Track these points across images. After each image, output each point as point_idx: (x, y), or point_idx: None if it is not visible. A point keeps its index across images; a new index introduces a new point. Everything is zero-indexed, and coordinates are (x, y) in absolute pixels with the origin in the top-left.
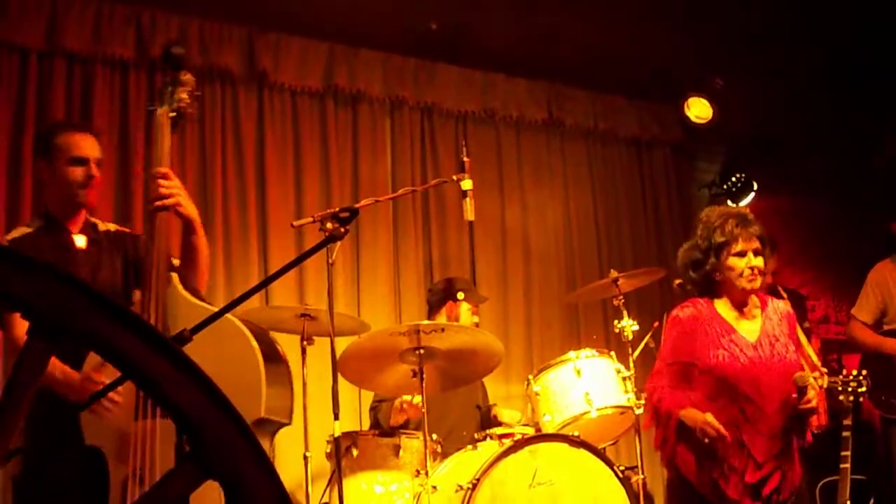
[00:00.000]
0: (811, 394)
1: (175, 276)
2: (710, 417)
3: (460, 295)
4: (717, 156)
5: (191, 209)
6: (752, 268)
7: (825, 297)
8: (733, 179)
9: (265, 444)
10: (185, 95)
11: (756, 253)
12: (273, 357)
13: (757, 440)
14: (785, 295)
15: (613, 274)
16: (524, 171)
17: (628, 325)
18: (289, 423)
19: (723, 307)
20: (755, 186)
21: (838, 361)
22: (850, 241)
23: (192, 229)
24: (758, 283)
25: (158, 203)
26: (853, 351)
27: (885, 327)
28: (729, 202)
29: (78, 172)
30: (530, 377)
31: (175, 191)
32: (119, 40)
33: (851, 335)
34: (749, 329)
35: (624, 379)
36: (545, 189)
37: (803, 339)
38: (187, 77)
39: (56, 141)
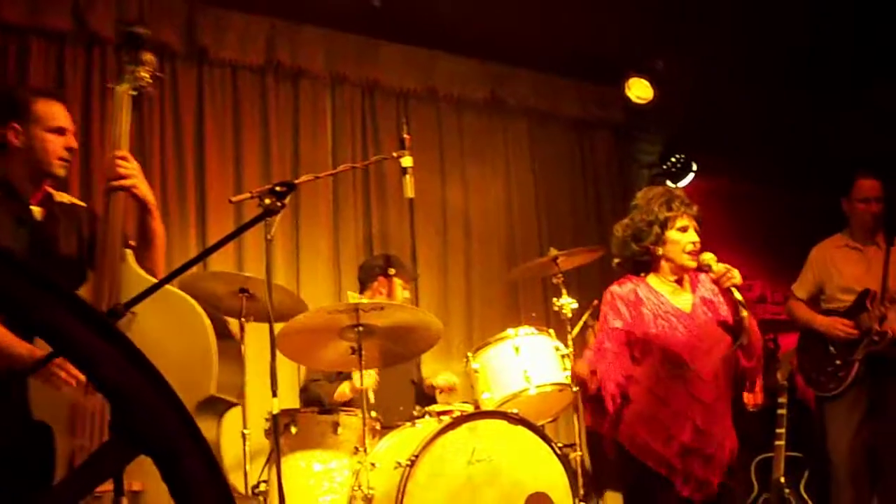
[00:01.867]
0: (718, 267)
1: (129, 252)
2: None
3: (392, 270)
4: (657, 137)
5: (147, 192)
6: (693, 243)
7: (762, 278)
8: (673, 160)
9: (213, 423)
10: (145, 75)
11: (696, 231)
12: (225, 334)
13: (696, 407)
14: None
15: (553, 252)
16: (466, 150)
17: (567, 304)
18: (238, 404)
19: (658, 282)
20: (694, 168)
21: (774, 341)
22: (793, 224)
23: (148, 212)
24: (695, 262)
25: (115, 183)
26: (790, 330)
27: (823, 306)
28: (668, 183)
29: (59, 143)
30: (469, 354)
31: (133, 172)
32: (55, 13)
33: (788, 310)
34: (684, 301)
35: (563, 356)
36: (486, 168)
37: None
38: (148, 57)
39: (34, 106)
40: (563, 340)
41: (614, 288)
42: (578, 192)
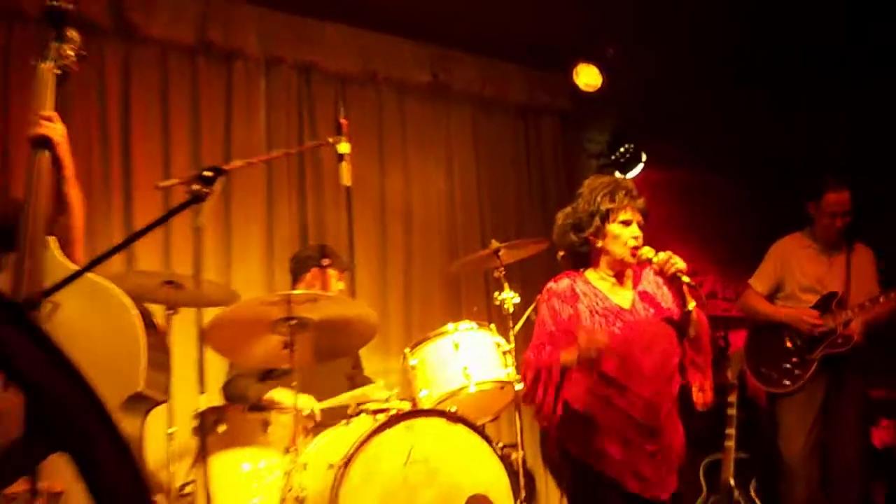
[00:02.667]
0: (658, 257)
1: (52, 239)
2: (583, 331)
3: (326, 261)
4: (606, 126)
5: (67, 154)
6: (635, 237)
7: (713, 273)
8: (622, 150)
9: (137, 421)
10: (70, 52)
11: (639, 226)
12: (152, 326)
13: (637, 403)
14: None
15: (495, 244)
16: (407, 137)
17: (509, 298)
18: (165, 401)
19: (597, 277)
20: (643, 158)
21: (725, 339)
22: (746, 218)
23: (64, 178)
24: (636, 257)
25: (38, 131)
26: (739, 327)
27: (779, 304)
28: (617, 173)
29: None
30: (407, 350)
31: (59, 130)
32: None
33: (745, 303)
34: (623, 297)
35: (504, 353)
36: (428, 156)
37: None
38: (73, 34)
39: None
40: (505, 336)
41: (551, 285)
42: (523, 182)
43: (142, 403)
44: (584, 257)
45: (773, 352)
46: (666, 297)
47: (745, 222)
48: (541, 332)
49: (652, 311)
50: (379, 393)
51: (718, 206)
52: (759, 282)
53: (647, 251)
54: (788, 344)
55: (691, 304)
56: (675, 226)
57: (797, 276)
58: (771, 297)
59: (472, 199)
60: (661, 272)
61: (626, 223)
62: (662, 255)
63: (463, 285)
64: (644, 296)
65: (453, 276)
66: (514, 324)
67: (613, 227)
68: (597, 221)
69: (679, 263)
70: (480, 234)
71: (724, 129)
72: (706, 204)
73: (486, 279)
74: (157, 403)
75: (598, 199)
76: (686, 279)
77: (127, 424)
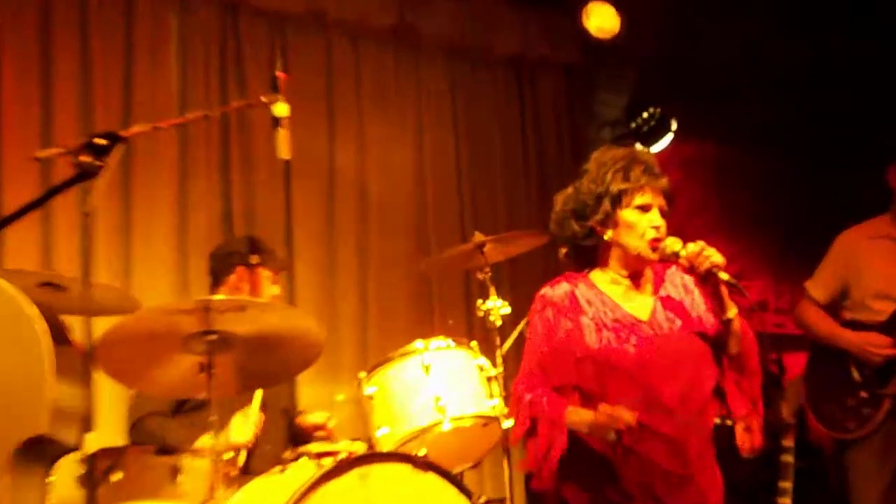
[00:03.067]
0: (688, 249)
1: None
2: (605, 407)
3: (256, 258)
4: (624, 85)
5: None
6: (656, 227)
7: (763, 276)
8: (645, 116)
9: (34, 479)
10: None
11: (661, 212)
12: (65, 343)
13: (658, 445)
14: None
15: (479, 238)
16: (364, 97)
17: (496, 308)
18: (76, 448)
19: (605, 280)
20: (673, 127)
21: (778, 363)
22: (806, 205)
23: None
24: (657, 252)
25: None
26: (798, 348)
27: (846, 315)
28: (638, 146)
29: None
30: (362, 375)
31: None
32: None
33: (799, 316)
34: (640, 305)
35: (489, 379)
36: (392, 122)
37: None
38: None
39: None
40: (491, 357)
41: (545, 291)
42: (516, 157)
43: (44, 451)
44: (589, 254)
45: (837, 383)
46: (697, 304)
47: (805, 209)
48: (531, 356)
49: (679, 322)
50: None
51: (769, 188)
52: (818, 286)
53: (672, 243)
54: (855, 374)
55: (732, 311)
56: (712, 214)
57: (866, 279)
58: (834, 304)
59: (448, 179)
60: (690, 269)
61: (645, 208)
62: (693, 247)
63: (436, 290)
64: (668, 303)
65: (423, 278)
66: (503, 341)
67: (627, 214)
68: (606, 206)
69: (715, 256)
70: (459, 224)
71: (776, 91)
72: (753, 186)
73: (466, 283)
74: (67, 451)
75: (608, 176)
76: (725, 276)
77: (23, 486)
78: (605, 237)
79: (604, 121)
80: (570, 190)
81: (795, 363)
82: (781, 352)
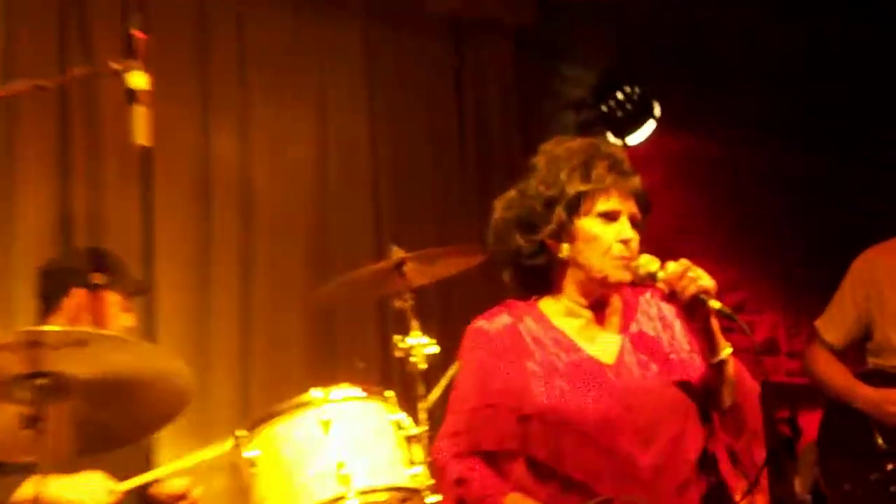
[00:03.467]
0: (669, 270)
1: None
2: None
3: (99, 278)
4: (594, 55)
5: None
6: (625, 241)
7: (773, 309)
8: (620, 97)
9: None
10: None
11: (632, 222)
12: None
13: None
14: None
15: (398, 254)
16: (249, 66)
17: (420, 346)
18: None
19: (559, 310)
20: (656, 112)
21: (792, 422)
22: (826, 213)
23: None
24: (629, 273)
25: None
26: (814, 404)
27: (871, 360)
28: (610, 136)
29: None
30: (242, 434)
31: None
32: None
33: (808, 365)
34: (604, 345)
35: (409, 440)
36: (286, 99)
37: None
38: None
39: None
40: (412, 411)
41: (479, 325)
42: (449, 148)
43: None
44: (538, 276)
45: (857, 452)
46: (679, 343)
47: (829, 221)
48: (458, 411)
49: (654, 367)
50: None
51: (780, 193)
52: (831, 326)
53: (646, 262)
54: (879, 441)
55: (725, 352)
56: (705, 225)
57: (893, 312)
58: (854, 347)
59: (359, 175)
60: (671, 297)
61: (610, 216)
62: (674, 267)
63: (341, 322)
64: (640, 341)
65: (325, 305)
66: (428, 391)
67: (588, 224)
68: (559, 214)
69: (703, 279)
70: (373, 236)
71: (779, 77)
72: (759, 190)
73: (380, 313)
74: None
75: (563, 175)
76: (716, 304)
77: None
78: (560, 255)
79: (566, 102)
80: (513, 193)
81: (814, 423)
82: (796, 408)
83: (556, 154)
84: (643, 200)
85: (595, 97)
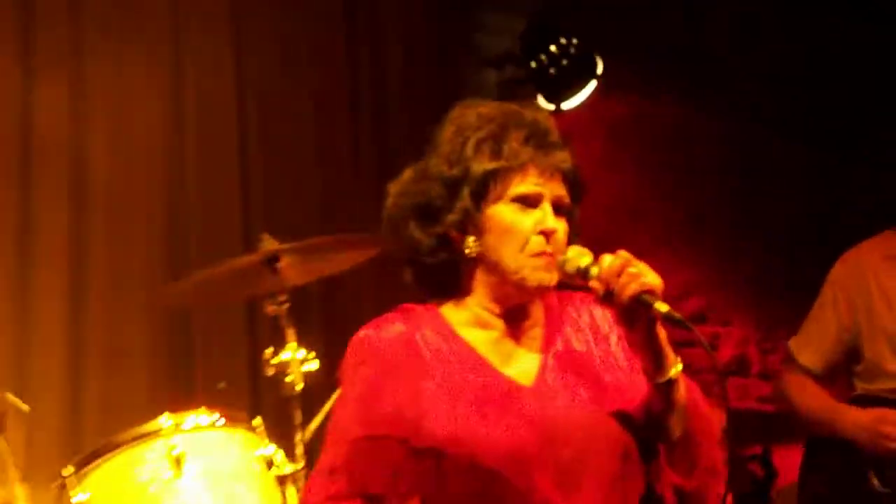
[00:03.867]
0: (604, 265)
1: None
2: None
3: None
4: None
5: None
6: (546, 233)
7: (742, 322)
8: (553, 50)
9: None
10: None
11: (558, 208)
12: None
13: None
14: None
15: (270, 245)
16: (83, 17)
17: (297, 361)
18: None
19: (466, 319)
20: (599, 70)
21: (765, 459)
22: (810, 198)
23: None
24: (554, 273)
25: None
26: (793, 437)
27: (859, 385)
28: (541, 100)
29: None
30: (69, 471)
31: None
32: None
33: (781, 392)
34: (521, 363)
35: (281, 480)
36: (130, 57)
37: None
38: None
39: None
40: (287, 444)
41: (366, 334)
42: (338, 118)
43: None
44: (441, 276)
45: (847, 496)
46: (616, 360)
47: (815, 208)
48: (336, 440)
49: (584, 391)
50: None
51: (757, 173)
52: (807, 346)
53: (576, 256)
54: (874, 481)
55: (674, 369)
56: (656, 213)
57: (887, 324)
58: (838, 369)
59: (224, 147)
60: (606, 299)
61: (528, 201)
62: (611, 262)
63: (198, 331)
64: (567, 359)
65: (176, 310)
66: (307, 418)
67: (500, 212)
68: (464, 199)
69: (648, 276)
70: (240, 222)
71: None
72: (729, 169)
73: (248, 320)
74: None
75: (468, 150)
76: (663, 308)
77: None
78: (466, 250)
79: (486, 57)
80: (410, 173)
81: (792, 461)
82: (770, 443)
83: (462, 123)
84: (574, 181)
85: (522, 50)
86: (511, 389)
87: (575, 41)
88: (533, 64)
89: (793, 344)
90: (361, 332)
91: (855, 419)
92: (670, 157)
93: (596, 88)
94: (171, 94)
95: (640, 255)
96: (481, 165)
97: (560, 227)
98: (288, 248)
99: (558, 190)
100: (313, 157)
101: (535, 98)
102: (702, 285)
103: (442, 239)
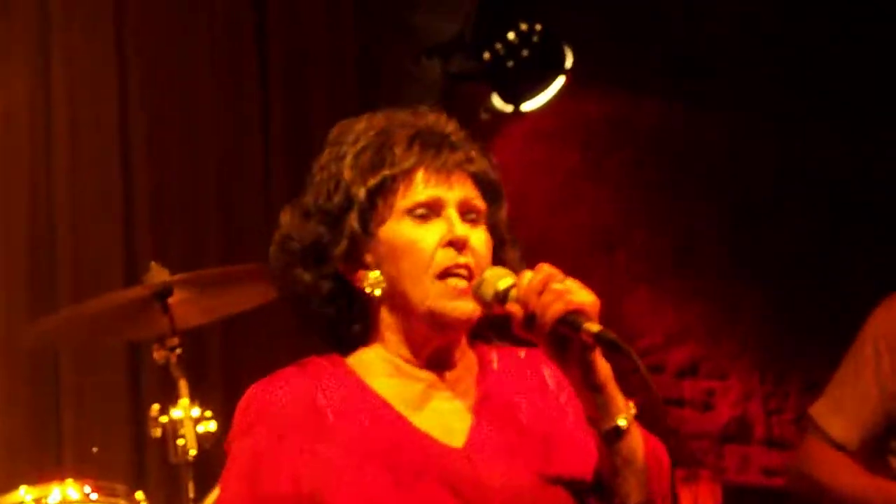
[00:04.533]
0: (524, 283)
1: None
2: None
3: None
4: None
5: None
6: (455, 243)
7: (741, 373)
8: (511, 38)
9: None
10: None
11: (467, 213)
12: None
13: None
14: None
15: (159, 276)
16: None
17: (191, 420)
18: None
19: (379, 370)
20: (568, 63)
21: None
22: (810, 228)
23: None
24: (468, 299)
25: None
26: None
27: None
28: (495, 100)
29: None
30: None
31: None
32: None
33: (804, 470)
34: (450, 420)
35: None
36: None
37: None
38: None
39: None
40: None
41: (260, 391)
42: (247, 126)
43: None
44: (345, 326)
45: None
46: (564, 416)
47: (830, 244)
48: None
49: (525, 454)
50: None
51: (761, 195)
52: (837, 416)
53: (493, 277)
54: None
55: (623, 415)
56: (637, 237)
57: None
58: (870, 446)
59: (103, 157)
60: (527, 324)
61: (427, 210)
62: (529, 278)
63: (67, 382)
64: (503, 416)
65: (39, 354)
66: (203, 491)
67: (394, 230)
68: (351, 225)
69: (576, 294)
70: (123, 248)
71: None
72: (725, 188)
73: (131, 368)
74: None
75: (346, 170)
76: (593, 327)
77: None
78: (368, 288)
79: (430, 46)
80: (286, 216)
81: None
82: None
83: (339, 143)
84: (484, 180)
85: (473, 38)
86: (433, 451)
87: (538, 27)
88: (486, 55)
89: (818, 412)
90: (251, 391)
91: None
92: (657, 171)
93: (564, 86)
94: (36, 91)
95: (617, 291)
96: (364, 181)
97: (476, 235)
98: (181, 279)
99: (466, 192)
100: (214, 173)
101: (492, 99)
102: (692, 329)
103: (337, 280)
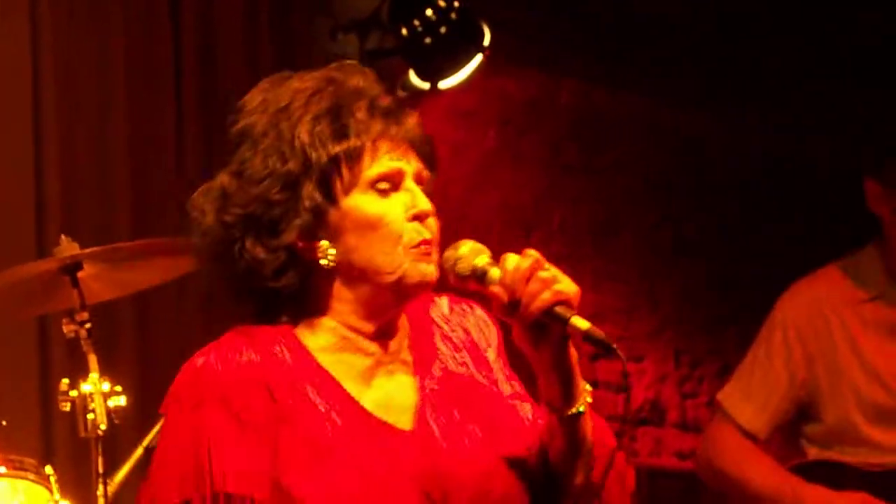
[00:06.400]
0: (510, 265)
1: None
2: None
3: None
4: None
5: None
6: (420, 216)
7: (657, 355)
8: (428, 14)
9: None
10: None
11: (419, 184)
12: None
13: None
14: None
15: (69, 249)
16: None
17: (101, 393)
18: None
19: (327, 343)
20: (486, 41)
21: None
22: (740, 209)
23: None
24: (432, 264)
25: None
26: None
27: (810, 451)
28: (412, 76)
29: None
30: None
31: None
32: None
33: (708, 458)
34: (396, 397)
35: None
36: None
37: None
38: None
39: None
40: (84, 498)
41: (204, 363)
42: (159, 98)
43: None
44: (292, 299)
45: None
46: (499, 385)
47: (746, 218)
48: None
49: (477, 431)
50: None
51: (681, 172)
52: (745, 402)
53: (469, 253)
54: None
55: (583, 400)
56: (555, 219)
57: (858, 383)
58: (783, 432)
59: (13, 127)
60: (509, 311)
61: (389, 182)
62: (517, 263)
63: None
64: (447, 389)
65: None
66: (113, 467)
67: (359, 202)
68: (310, 195)
69: (563, 284)
70: (32, 221)
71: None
72: (644, 166)
73: (39, 342)
74: None
75: (303, 133)
76: (583, 324)
77: None
78: (323, 260)
79: (347, 22)
80: (225, 179)
81: None
82: None
83: (281, 104)
84: (426, 150)
85: (389, 14)
86: (386, 436)
87: (456, 4)
88: (403, 31)
89: (726, 398)
90: (199, 360)
91: (817, 499)
92: (578, 151)
93: (482, 64)
94: None
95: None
96: (325, 149)
97: (428, 208)
98: (91, 253)
99: (416, 162)
100: (125, 146)
101: (409, 79)
102: (608, 311)
103: (289, 252)
